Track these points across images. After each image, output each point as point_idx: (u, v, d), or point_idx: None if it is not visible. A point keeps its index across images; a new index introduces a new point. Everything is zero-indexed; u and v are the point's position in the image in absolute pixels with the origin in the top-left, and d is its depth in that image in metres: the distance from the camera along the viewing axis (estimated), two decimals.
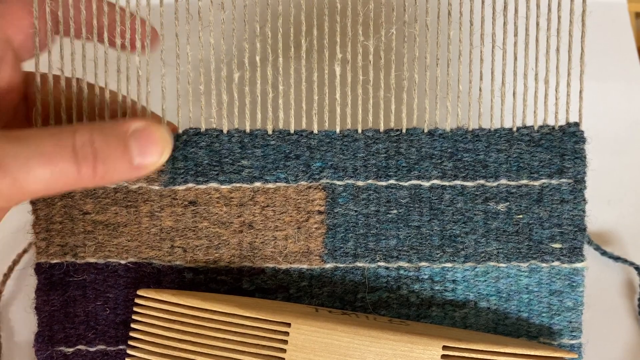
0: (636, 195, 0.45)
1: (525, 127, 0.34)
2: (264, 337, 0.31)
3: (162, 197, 0.33)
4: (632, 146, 0.46)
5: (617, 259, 0.42)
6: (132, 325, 0.31)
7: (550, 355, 0.32)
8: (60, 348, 0.33)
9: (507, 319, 0.34)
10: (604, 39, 0.48)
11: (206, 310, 0.31)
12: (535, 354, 0.32)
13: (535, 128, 0.34)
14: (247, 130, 0.33)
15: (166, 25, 0.33)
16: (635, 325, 0.41)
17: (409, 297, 0.34)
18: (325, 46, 0.33)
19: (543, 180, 0.33)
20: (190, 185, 0.33)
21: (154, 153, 0.29)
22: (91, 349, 0.33)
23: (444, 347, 0.31)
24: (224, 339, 0.31)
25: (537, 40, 0.34)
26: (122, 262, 0.33)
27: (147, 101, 0.33)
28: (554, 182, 0.34)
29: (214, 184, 0.33)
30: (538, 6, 0.33)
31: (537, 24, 0.33)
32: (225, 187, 0.33)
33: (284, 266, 0.33)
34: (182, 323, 0.31)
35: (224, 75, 0.33)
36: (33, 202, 0.33)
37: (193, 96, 0.33)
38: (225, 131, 0.33)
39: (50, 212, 0.33)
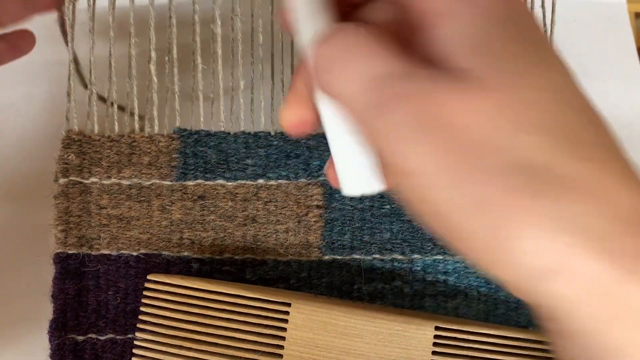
0: None
1: None
2: (266, 316, 0.33)
3: (173, 192, 0.36)
4: (632, 145, 0.45)
5: None
6: (142, 309, 0.33)
7: (539, 339, 0.33)
8: (72, 335, 0.35)
9: (497, 309, 0.36)
10: (604, 39, 0.48)
11: (211, 292, 0.33)
12: (525, 337, 0.33)
13: None
14: (252, 132, 0.37)
15: (183, 40, 0.37)
16: None
17: (403, 288, 0.36)
18: None
19: None
20: (199, 181, 0.36)
21: None
22: (101, 338, 0.35)
23: (436, 328, 0.33)
24: (228, 319, 0.33)
25: None
26: (134, 253, 0.35)
27: (170, 104, 0.37)
28: None
29: (221, 181, 0.36)
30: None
31: None
32: (231, 183, 0.36)
33: (284, 258, 0.36)
34: (189, 305, 0.33)
35: (232, 84, 0.37)
36: (55, 197, 0.35)
37: (205, 101, 0.37)
38: (232, 133, 0.36)
39: (70, 206, 0.35)
